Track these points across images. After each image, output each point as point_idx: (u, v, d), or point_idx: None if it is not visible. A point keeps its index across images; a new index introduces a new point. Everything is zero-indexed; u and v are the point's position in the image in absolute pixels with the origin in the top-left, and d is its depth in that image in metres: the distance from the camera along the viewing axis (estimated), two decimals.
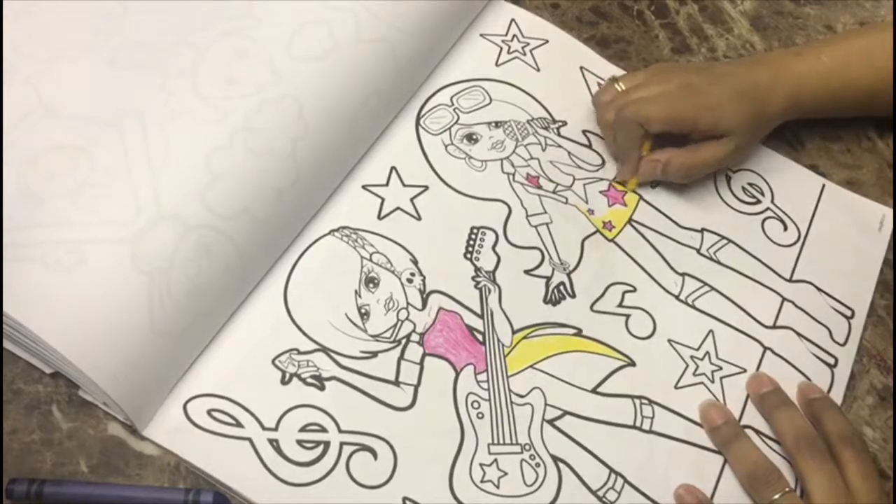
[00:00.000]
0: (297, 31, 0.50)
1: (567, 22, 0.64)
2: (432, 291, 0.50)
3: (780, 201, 0.58)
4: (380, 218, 0.52)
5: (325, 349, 0.47)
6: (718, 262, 0.55)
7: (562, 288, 0.52)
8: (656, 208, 0.56)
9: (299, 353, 0.47)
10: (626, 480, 0.47)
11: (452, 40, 0.59)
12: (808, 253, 0.57)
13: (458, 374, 0.48)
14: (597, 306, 0.52)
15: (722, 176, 0.59)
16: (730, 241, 0.56)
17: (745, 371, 0.51)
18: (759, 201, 0.58)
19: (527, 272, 0.52)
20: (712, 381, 0.51)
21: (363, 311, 0.49)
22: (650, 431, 0.48)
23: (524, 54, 0.61)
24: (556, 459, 0.47)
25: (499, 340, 0.49)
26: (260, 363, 0.46)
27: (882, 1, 0.70)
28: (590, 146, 0.58)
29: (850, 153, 0.62)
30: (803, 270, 0.56)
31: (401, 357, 0.48)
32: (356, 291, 0.49)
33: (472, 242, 0.52)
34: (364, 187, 0.53)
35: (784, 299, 0.54)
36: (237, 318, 0.47)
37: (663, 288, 0.53)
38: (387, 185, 0.53)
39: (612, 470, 0.47)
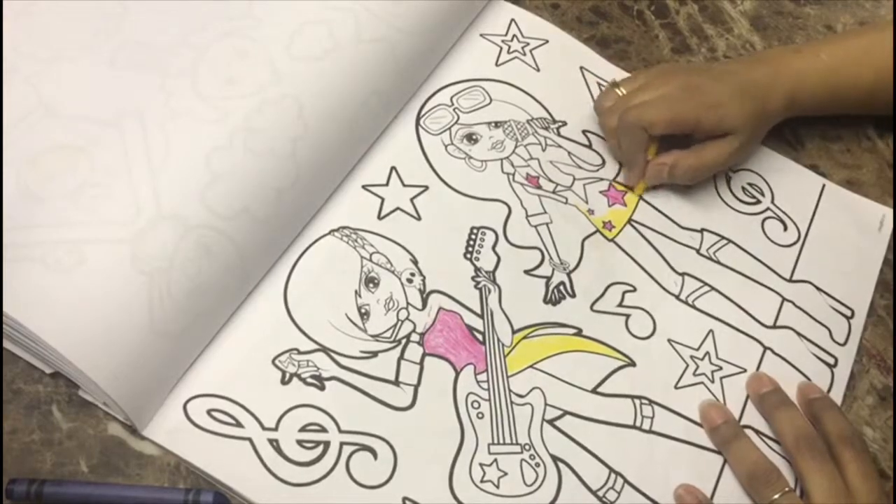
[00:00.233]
0: (297, 31, 0.50)
1: (567, 22, 0.64)
2: (432, 291, 0.50)
3: (780, 201, 0.58)
4: (380, 218, 0.52)
5: (325, 349, 0.47)
6: (718, 262, 0.55)
7: (562, 288, 0.52)
8: (656, 208, 0.56)
9: (299, 353, 0.47)
10: (626, 480, 0.47)
11: (452, 40, 0.59)
12: (808, 253, 0.57)
13: (458, 374, 0.48)
14: (597, 306, 0.52)
15: (722, 176, 0.59)
16: (730, 241, 0.56)
17: (745, 371, 0.51)
18: (759, 201, 0.58)
19: (527, 272, 0.52)
20: (712, 381, 0.51)
21: (363, 311, 0.49)
22: (650, 431, 0.48)
23: (524, 54, 0.61)
24: (556, 459, 0.47)
25: (499, 340, 0.49)
26: (260, 363, 0.46)
27: (882, 1, 0.70)
28: (590, 146, 0.58)
29: (850, 153, 0.62)
30: (803, 270, 0.56)
31: (401, 357, 0.48)
32: (356, 291, 0.49)
33: (471, 242, 0.52)
34: (364, 187, 0.53)
35: (784, 299, 0.54)
36: (237, 318, 0.47)
37: (663, 288, 0.53)
38: (387, 185, 0.53)
39: (612, 470, 0.47)
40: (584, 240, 0.54)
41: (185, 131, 0.46)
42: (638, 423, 0.49)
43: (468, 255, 0.52)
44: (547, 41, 0.62)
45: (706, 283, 0.54)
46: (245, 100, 0.48)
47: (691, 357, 0.51)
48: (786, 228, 0.57)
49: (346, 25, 0.51)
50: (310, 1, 0.52)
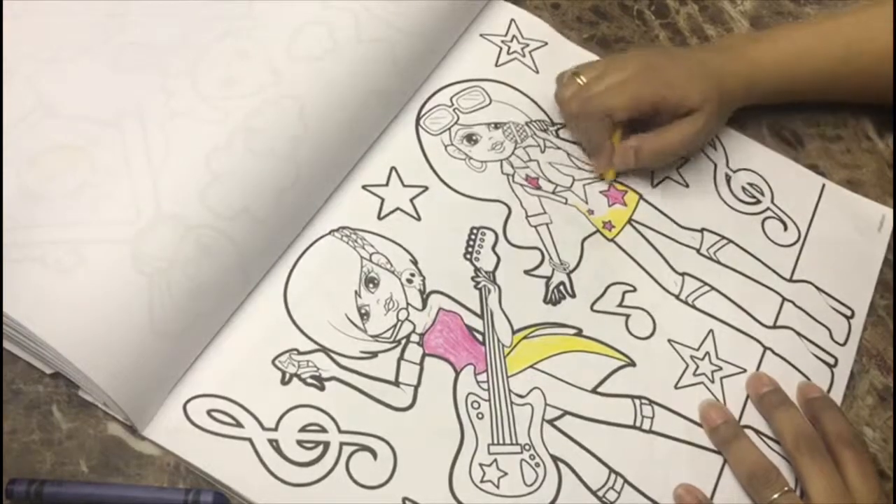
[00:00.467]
0: (297, 31, 0.50)
1: (567, 22, 0.64)
2: (432, 292, 0.50)
3: (780, 201, 0.58)
4: (380, 218, 0.52)
5: (324, 349, 0.47)
6: (718, 262, 0.55)
7: (562, 288, 0.52)
8: (656, 208, 0.56)
9: (299, 353, 0.47)
10: (625, 480, 0.47)
11: (452, 40, 0.59)
12: (808, 253, 0.57)
13: (457, 375, 0.48)
14: (597, 306, 0.52)
15: (722, 176, 0.59)
16: (730, 241, 0.56)
17: (745, 371, 0.51)
18: (759, 201, 0.58)
19: (527, 272, 0.52)
20: (712, 381, 0.51)
21: (363, 311, 0.49)
22: (650, 431, 0.48)
23: (523, 56, 0.61)
24: (555, 459, 0.47)
25: (499, 340, 0.49)
26: (260, 363, 0.46)
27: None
28: None
29: (850, 153, 0.62)
30: (803, 270, 0.56)
31: (401, 357, 0.48)
32: (356, 292, 0.49)
33: (471, 243, 0.52)
34: (364, 187, 0.53)
35: (784, 299, 0.54)
36: (237, 318, 0.47)
37: (663, 288, 0.53)
38: (387, 185, 0.53)
39: (611, 470, 0.47)
40: (584, 240, 0.54)
41: (185, 131, 0.46)
42: (638, 423, 0.49)
43: (468, 256, 0.52)
44: (545, 43, 0.62)
45: (706, 283, 0.54)
46: (245, 100, 0.48)
47: (691, 357, 0.51)
48: (786, 228, 0.57)
49: (346, 25, 0.51)
50: (310, 1, 0.52)
